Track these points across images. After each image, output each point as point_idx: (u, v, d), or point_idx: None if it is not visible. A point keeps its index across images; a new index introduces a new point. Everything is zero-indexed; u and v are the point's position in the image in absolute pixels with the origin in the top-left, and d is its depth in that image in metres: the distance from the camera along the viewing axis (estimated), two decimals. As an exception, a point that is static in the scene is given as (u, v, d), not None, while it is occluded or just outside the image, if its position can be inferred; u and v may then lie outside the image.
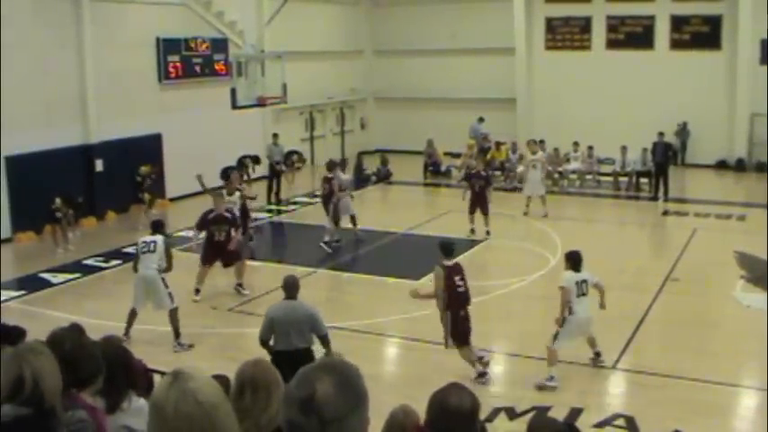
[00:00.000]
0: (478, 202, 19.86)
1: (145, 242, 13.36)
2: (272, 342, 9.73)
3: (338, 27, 33.10)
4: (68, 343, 3.94)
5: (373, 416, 2.49)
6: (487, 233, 19.68)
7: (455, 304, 11.30)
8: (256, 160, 24.78)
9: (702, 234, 20.16)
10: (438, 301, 11.35)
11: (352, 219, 19.64)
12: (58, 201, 18.86)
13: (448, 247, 11.67)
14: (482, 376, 11.40)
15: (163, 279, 13.08)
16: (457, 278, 11.33)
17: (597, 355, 11.93)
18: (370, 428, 2.49)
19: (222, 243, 15.53)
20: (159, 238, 13.40)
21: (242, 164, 23.56)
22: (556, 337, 11.31)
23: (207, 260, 15.65)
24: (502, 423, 10.17)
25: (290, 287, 9.94)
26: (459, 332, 11.34)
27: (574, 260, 11.60)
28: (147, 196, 21.85)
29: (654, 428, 9.87)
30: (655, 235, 22.62)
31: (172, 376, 2.57)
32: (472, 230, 19.77)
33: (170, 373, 2.62)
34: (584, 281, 11.48)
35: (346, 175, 20.42)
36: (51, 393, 3.32)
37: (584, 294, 11.40)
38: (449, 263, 11.45)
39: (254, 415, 3.62)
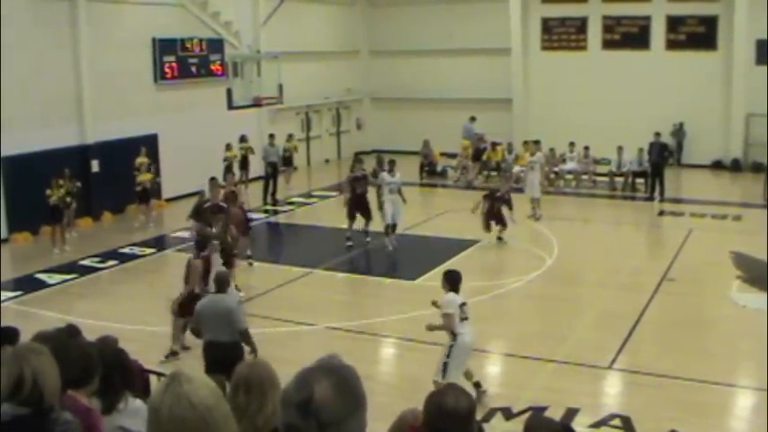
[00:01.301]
0: (496, 219, 19.37)
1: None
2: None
3: (334, 27, 33.12)
4: (51, 343, 3.93)
5: (369, 417, 2.49)
6: (499, 239, 19.36)
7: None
8: (243, 139, 24.96)
9: (698, 234, 20.18)
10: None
11: (392, 227, 18.95)
12: (62, 181, 18.90)
13: (202, 243, 12.89)
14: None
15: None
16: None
17: (477, 385, 10.78)
18: (368, 430, 2.49)
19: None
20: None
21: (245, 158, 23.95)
22: (445, 370, 10.30)
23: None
24: (498, 423, 10.17)
25: (218, 282, 10.46)
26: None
27: (454, 281, 10.66)
28: (146, 175, 21.76)
29: (650, 429, 9.87)
30: (651, 235, 22.65)
31: (169, 379, 2.57)
32: (500, 238, 19.41)
33: (168, 375, 2.62)
34: (465, 303, 10.63)
35: (393, 177, 19.03)
36: (50, 393, 3.32)
37: (466, 318, 10.53)
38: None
39: (250, 415, 3.62)
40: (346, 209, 19.28)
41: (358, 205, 19.06)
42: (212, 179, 16.96)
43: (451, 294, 10.54)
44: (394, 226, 18.93)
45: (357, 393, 2.41)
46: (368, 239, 19.23)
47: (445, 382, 9.93)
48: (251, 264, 17.48)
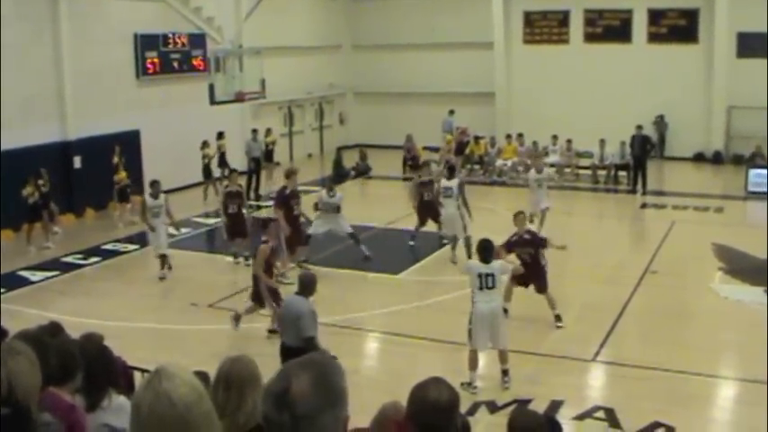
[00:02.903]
0: (532, 276, 13.37)
1: (444, 188, 17.25)
2: None
3: (316, 22, 33.04)
4: (31, 342, 3.91)
5: (352, 411, 2.49)
6: (559, 319, 13.40)
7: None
8: (220, 136, 25.08)
9: (680, 226, 20.28)
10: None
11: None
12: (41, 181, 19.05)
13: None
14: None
15: (461, 215, 16.92)
16: None
17: (504, 373, 11.05)
18: (350, 424, 2.49)
19: (298, 217, 16.69)
20: (455, 182, 17.18)
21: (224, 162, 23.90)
22: (470, 336, 11.00)
23: (294, 245, 16.57)
24: (483, 416, 10.21)
25: (300, 283, 10.20)
26: None
27: (480, 249, 11.15)
28: (121, 174, 21.72)
29: (634, 420, 9.92)
30: (633, 228, 22.73)
31: (150, 376, 2.56)
32: (505, 310, 12.30)
33: (152, 371, 2.61)
34: (490, 274, 10.89)
35: (330, 198, 17.57)
36: (25, 394, 3.30)
37: (488, 288, 10.88)
38: None
39: (229, 412, 3.61)
40: (417, 215, 18.58)
41: (428, 210, 18.34)
42: (233, 171, 18.92)
43: (470, 262, 11.47)
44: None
45: (336, 389, 2.42)
46: (444, 242, 18.55)
47: (472, 347, 11.02)
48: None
